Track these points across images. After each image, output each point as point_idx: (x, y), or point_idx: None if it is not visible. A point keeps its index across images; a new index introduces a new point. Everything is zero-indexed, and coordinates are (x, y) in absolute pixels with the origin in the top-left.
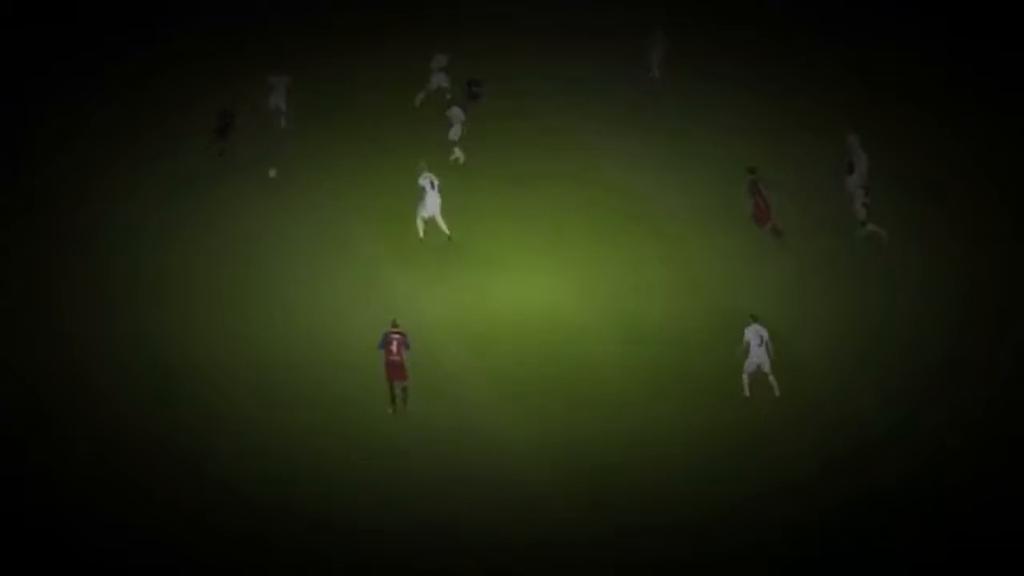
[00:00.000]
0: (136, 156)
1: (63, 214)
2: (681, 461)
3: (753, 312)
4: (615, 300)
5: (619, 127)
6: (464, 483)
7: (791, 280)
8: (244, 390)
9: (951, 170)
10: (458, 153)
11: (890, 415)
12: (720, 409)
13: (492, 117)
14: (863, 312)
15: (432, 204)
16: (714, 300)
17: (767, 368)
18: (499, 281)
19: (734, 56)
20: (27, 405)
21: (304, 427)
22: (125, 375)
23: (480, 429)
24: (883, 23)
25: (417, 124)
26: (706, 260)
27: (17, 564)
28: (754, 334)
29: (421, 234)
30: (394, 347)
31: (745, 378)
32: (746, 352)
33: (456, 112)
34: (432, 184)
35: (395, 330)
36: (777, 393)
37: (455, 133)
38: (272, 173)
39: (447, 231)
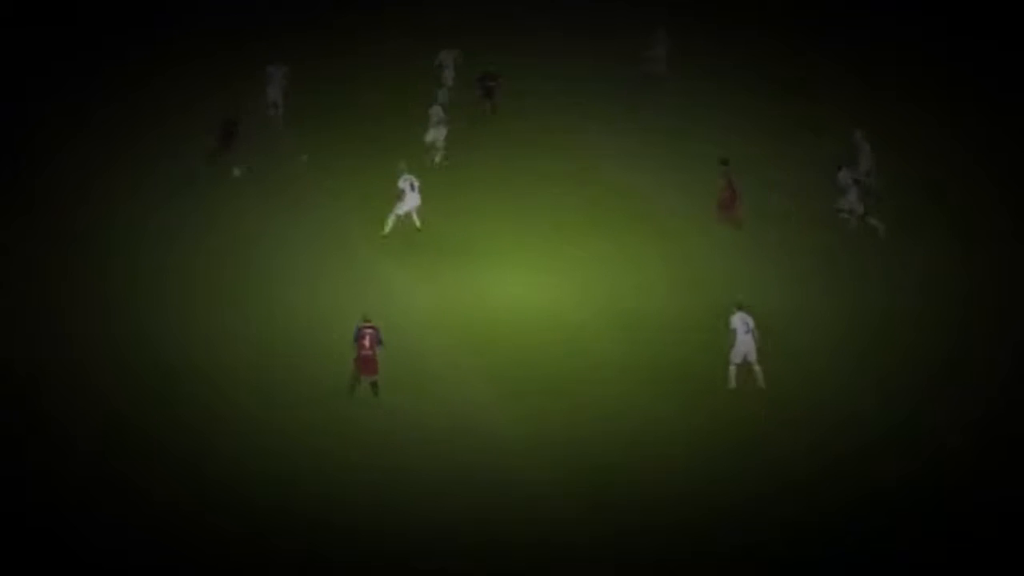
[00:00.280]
0: (136, 156)
1: (63, 214)
2: (681, 461)
3: (739, 301)
4: (615, 299)
5: (619, 127)
6: (463, 483)
7: (791, 280)
8: (244, 390)
9: (951, 170)
10: (438, 156)
11: (890, 415)
12: (720, 409)
13: (492, 117)
14: (863, 312)
15: (410, 204)
16: (715, 299)
17: (753, 357)
18: (498, 280)
19: (735, 56)
20: (27, 405)
21: (304, 427)
22: (125, 375)
23: (479, 428)
24: (883, 23)
25: (417, 124)
26: (706, 259)
27: (17, 564)
28: (740, 321)
29: (386, 230)
30: (367, 341)
31: (732, 369)
32: (733, 340)
33: (437, 111)
34: (412, 186)
35: (367, 324)
36: (761, 384)
37: (436, 135)
38: (304, 158)
39: (418, 224)
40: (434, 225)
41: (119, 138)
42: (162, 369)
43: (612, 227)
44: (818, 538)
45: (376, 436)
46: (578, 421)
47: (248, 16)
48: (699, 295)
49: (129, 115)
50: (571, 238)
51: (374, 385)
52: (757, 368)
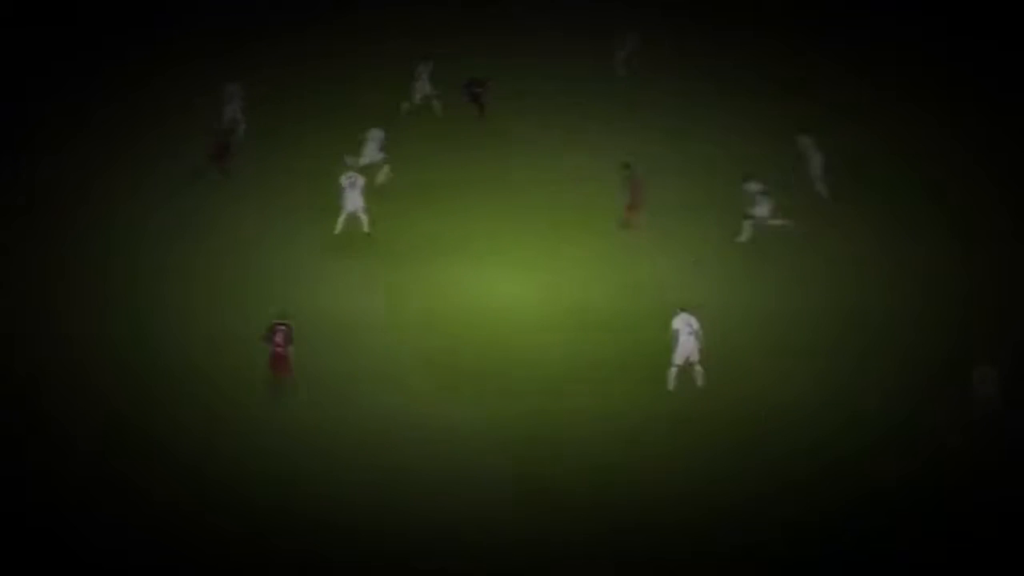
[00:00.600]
0: (136, 156)
1: (63, 214)
2: (681, 461)
3: (684, 302)
4: (614, 299)
5: (619, 127)
6: (463, 483)
7: (791, 280)
8: (244, 390)
9: (951, 170)
10: (383, 175)
11: (890, 415)
12: (720, 408)
13: (492, 117)
14: (863, 312)
15: (351, 202)
16: (714, 299)
17: (696, 358)
18: (497, 279)
19: (734, 56)
20: (27, 405)
21: (304, 427)
22: (125, 375)
23: (478, 428)
24: (883, 23)
25: (417, 125)
26: (706, 259)
27: (17, 564)
28: (684, 323)
29: (337, 230)
30: (279, 339)
31: (673, 371)
32: (675, 342)
33: (375, 133)
34: (352, 184)
35: (281, 322)
36: (700, 384)
37: (370, 154)
38: (349, 161)
39: (367, 228)
40: (433, 224)
41: (119, 138)
42: (162, 369)
43: (612, 226)
44: (818, 538)
45: (376, 436)
46: (578, 421)
47: (248, 16)
48: (698, 294)
49: (129, 115)
50: (569, 236)
51: (284, 386)
52: (698, 368)
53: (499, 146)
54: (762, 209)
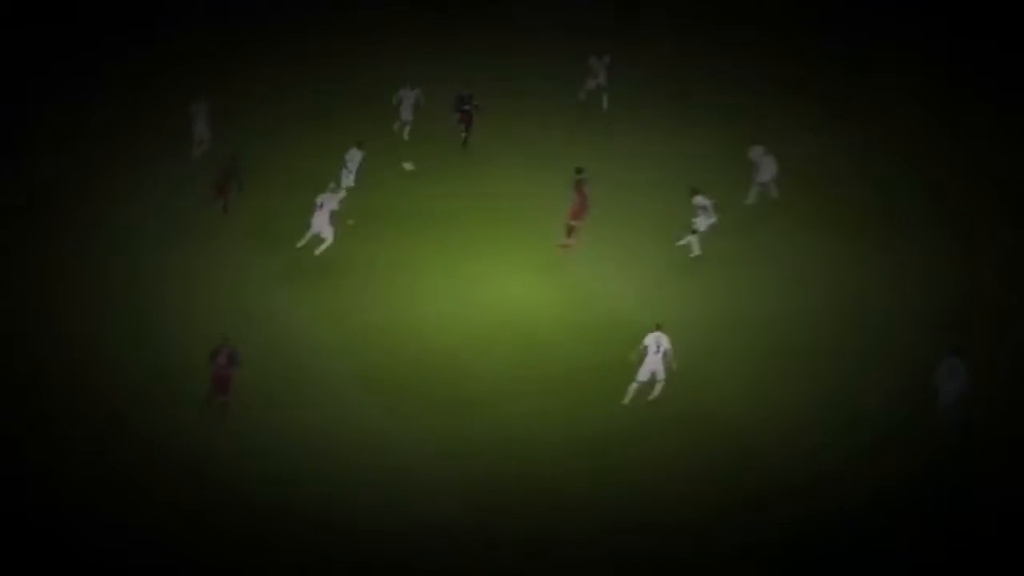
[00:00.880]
0: (136, 156)
1: (63, 214)
2: (681, 461)
3: (659, 321)
4: (614, 298)
5: (618, 127)
6: (462, 483)
7: (791, 279)
8: (244, 390)
9: (951, 170)
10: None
11: (890, 415)
12: (720, 408)
13: (492, 117)
14: (863, 312)
15: (317, 222)
16: (715, 302)
17: (661, 376)
18: (501, 280)
19: (734, 56)
20: (27, 405)
21: (304, 427)
22: (125, 375)
23: (477, 428)
24: (883, 23)
25: (418, 126)
26: (707, 260)
27: (17, 564)
28: (653, 341)
29: (299, 244)
30: (222, 359)
31: (633, 386)
32: (641, 359)
33: (354, 153)
34: (321, 204)
35: (224, 345)
36: (650, 397)
37: (347, 178)
38: (351, 222)
39: (310, 245)
40: (439, 224)
41: (119, 138)
42: (162, 369)
43: (612, 225)
44: (818, 538)
45: (376, 436)
46: (578, 420)
47: (248, 16)
48: (699, 297)
49: (129, 115)
50: (510, 249)
51: (224, 407)
52: (660, 383)
53: (500, 145)
54: (704, 222)
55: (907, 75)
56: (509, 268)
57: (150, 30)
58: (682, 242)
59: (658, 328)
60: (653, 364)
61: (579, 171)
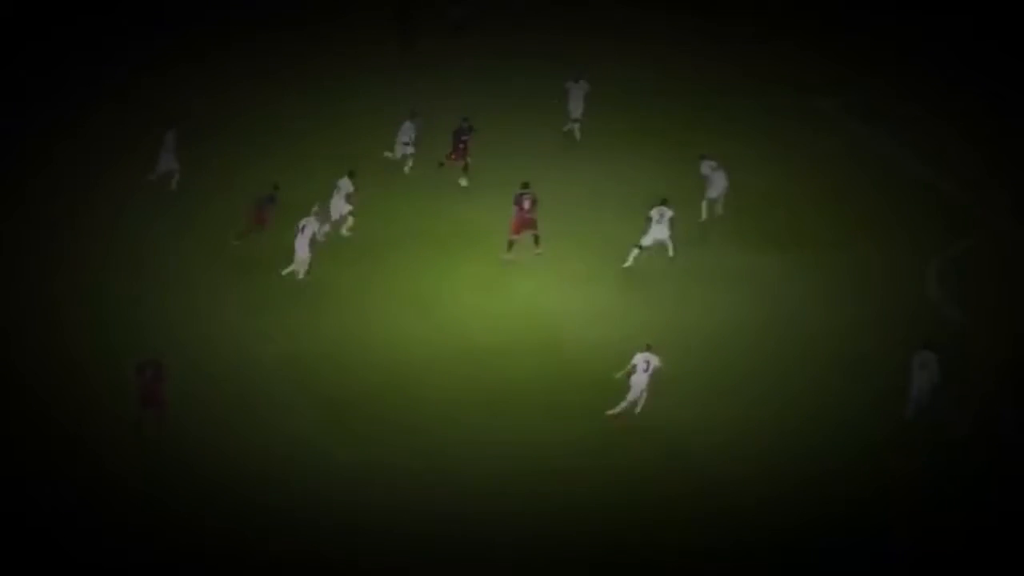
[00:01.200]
0: (136, 157)
1: (63, 214)
2: (681, 462)
3: (648, 342)
4: (615, 299)
5: (618, 127)
6: (460, 483)
7: (791, 279)
8: (245, 390)
9: (951, 170)
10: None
11: (889, 415)
12: (719, 408)
13: (492, 117)
14: (862, 312)
15: (299, 246)
16: (715, 306)
17: (645, 394)
18: (501, 280)
19: (734, 56)
20: (27, 405)
21: (305, 427)
22: (125, 375)
23: (476, 427)
24: (883, 23)
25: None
26: (709, 264)
27: (17, 564)
28: (643, 360)
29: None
30: (149, 375)
31: (624, 405)
32: (629, 376)
33: (344, 183)
34: (302, 228)
35: (151, 359)
36: (637, 411)
37: (337, 206)
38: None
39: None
40: (439, 225)
41: (119, 139)
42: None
43: (612, 225)
44: (818, 538)
45: (375, 436)
46: (580, 417)
47: (248, 16)
48: (698, 302)
49: (129, 115)
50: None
51: (160, 420)
52: (643, 398)
53: (500, 145)
54: (660, 232)
55: (907, 75)
56: (455, 287)
57: (150, 30)
58: (629, 262)
59: (648, 348)
60: (642, 383)
61: (525, 186)
